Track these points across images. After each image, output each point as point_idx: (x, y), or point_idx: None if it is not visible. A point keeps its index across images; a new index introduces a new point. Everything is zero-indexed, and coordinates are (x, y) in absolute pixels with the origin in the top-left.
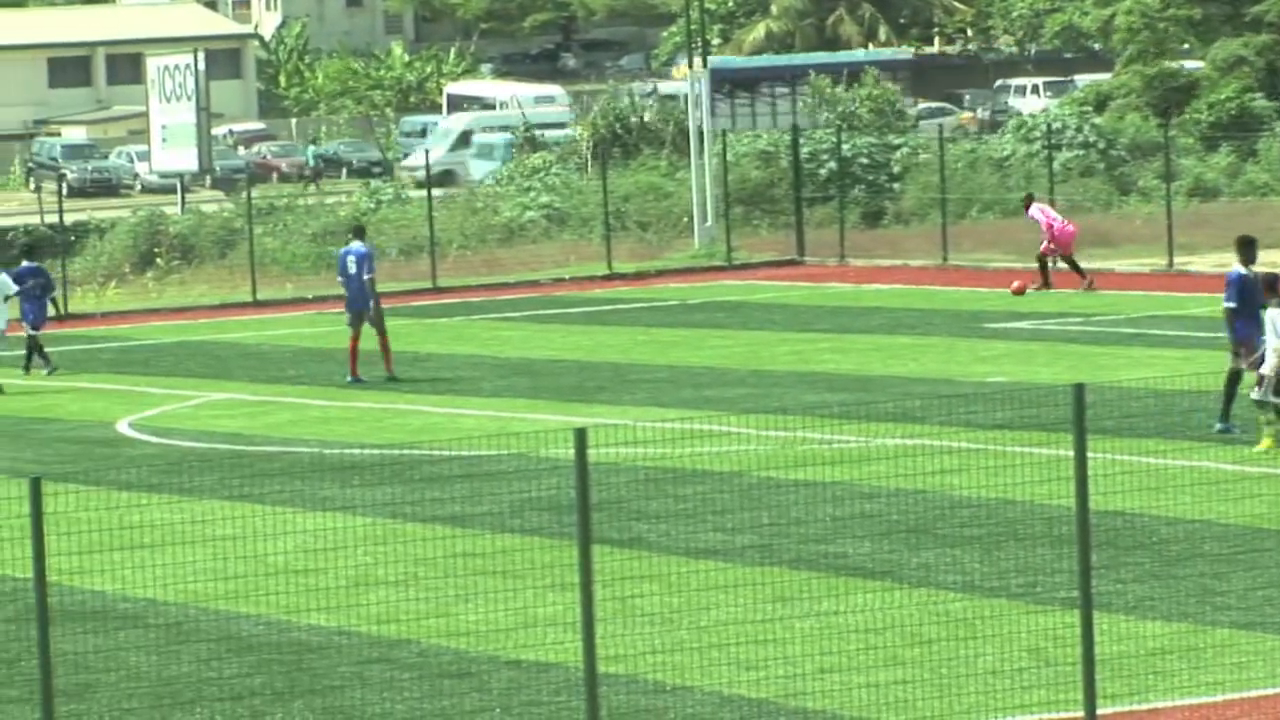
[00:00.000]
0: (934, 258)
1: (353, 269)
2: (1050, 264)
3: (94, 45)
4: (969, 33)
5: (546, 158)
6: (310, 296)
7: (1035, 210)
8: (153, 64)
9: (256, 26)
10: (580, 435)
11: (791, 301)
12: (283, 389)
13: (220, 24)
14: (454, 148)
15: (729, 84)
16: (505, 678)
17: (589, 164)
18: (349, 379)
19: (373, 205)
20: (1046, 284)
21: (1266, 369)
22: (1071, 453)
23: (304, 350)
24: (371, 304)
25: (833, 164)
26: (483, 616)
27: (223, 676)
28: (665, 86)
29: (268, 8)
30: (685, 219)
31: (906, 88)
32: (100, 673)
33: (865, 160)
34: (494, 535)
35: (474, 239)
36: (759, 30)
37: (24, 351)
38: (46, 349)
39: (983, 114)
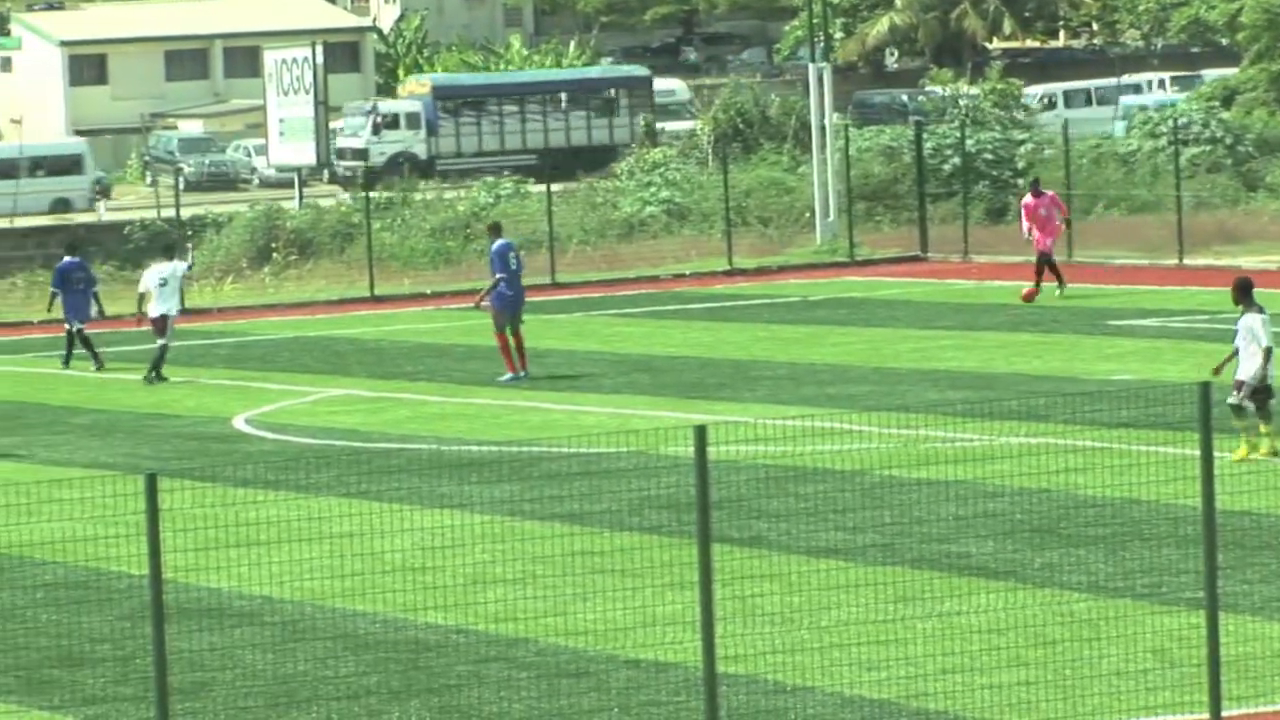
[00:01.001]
0: (1059, 254)
1: (513, 265)
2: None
3: (211, 38)
4: (1095, 26)
5: (667, 152)
6: (429, 291)
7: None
8: (270, 57)
9: (375, 19)
10: (700, 432)
11: (914, 298)
12: (400, 385)
13: (338, 16)
14: None
15: (455, 102)
16: (624, 677)
17: (710, 159)
18: (509, 377)
19: (492, 200)
20: (1060, 280)
21: (1244, 374)
22: (1198, 452)
23: (422, 346)
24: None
25: (956, 159)
26: (601, 615)
27: (339, 675)
28: (384, 105)
29: (386, 1)
30: (807, 214)
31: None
32: (216, 671)
33: (989, 156)
34: (613, 533)
35: (593, 234)
36: (882, 24)
37: (65, 346)
38: (94, 346)
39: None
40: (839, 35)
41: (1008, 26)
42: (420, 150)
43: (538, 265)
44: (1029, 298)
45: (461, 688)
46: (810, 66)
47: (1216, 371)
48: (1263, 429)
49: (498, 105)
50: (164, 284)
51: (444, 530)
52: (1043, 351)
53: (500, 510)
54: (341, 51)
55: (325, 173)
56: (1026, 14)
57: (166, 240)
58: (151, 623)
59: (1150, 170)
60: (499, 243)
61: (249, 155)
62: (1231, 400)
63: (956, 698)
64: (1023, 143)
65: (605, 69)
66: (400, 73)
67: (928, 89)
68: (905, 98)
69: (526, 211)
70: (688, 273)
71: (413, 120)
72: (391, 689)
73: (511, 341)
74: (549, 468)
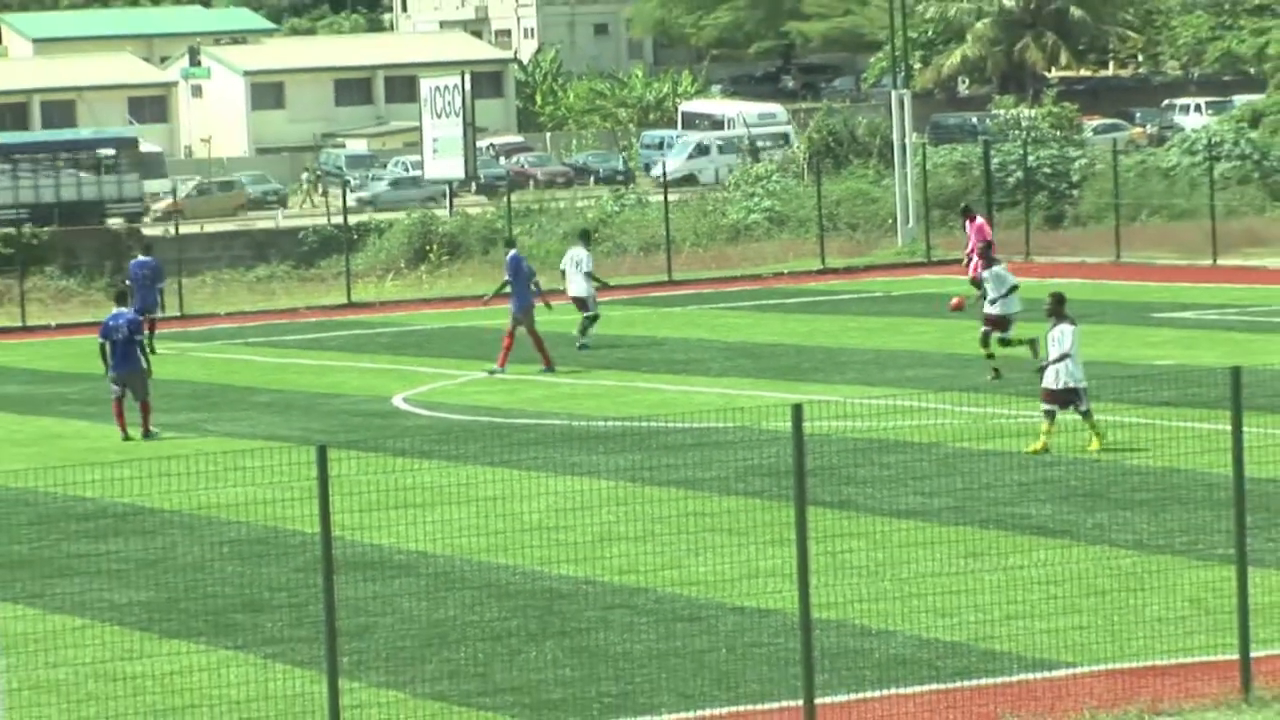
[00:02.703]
0: (1108, 255)
1: (526, 271)
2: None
3: (375, 68)
4: (1140, 57)
5: (768, 167)
6: (561, 288)
7: (979, 221)
8: (426, 85)
9: (516, 52)
10: (797, 410)
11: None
12: (537, 368)
13: (485, 50)
14: (690, 157)
15: None
16: (730, 622)
17: (805, 172)
18: (499, 370)
19: (616, 209)
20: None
21: (1053, 382)
22: (1229, 427)
23: (556, 334)
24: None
25: (1019, 173)
26: (711, 568)
27: (484, 619)
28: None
29: (526, 36)
30: (890, 220)
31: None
32: (377, 616)
33: (1048, 170)
34: (721, 497)
35: (704, 238)
36: (955, 56)
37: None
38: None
39: (1151, 129)
40: (918, 65)
41: (1064, 58)
42: None
43: (656, 265)
44: (959, 306)
45: (590, 631)
46: (893, 92)
47: (1040, 371)
48: (1087, 424)
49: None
50: (578, 266)
51: (575, 494)
52: (1094, 340)
53: (623, 477)
54: (487, 80)
55: (473, 184)
56: (1080, 46)
57: (583, 228)
58: (322, 574)
59: (1188, 183)
60: (511, 253)
61: (406, 170)
62: (1045, 408)
63: (1019, 640)
64: (1077, 159)
65: (96, 131)
66: (538, 99)
67: (994, 112)
68: (975, 119)
69: (647, 218)
70: (785, 271)
71: None
72: (529, 631)
73: (528, 338)
74: (665, 440)
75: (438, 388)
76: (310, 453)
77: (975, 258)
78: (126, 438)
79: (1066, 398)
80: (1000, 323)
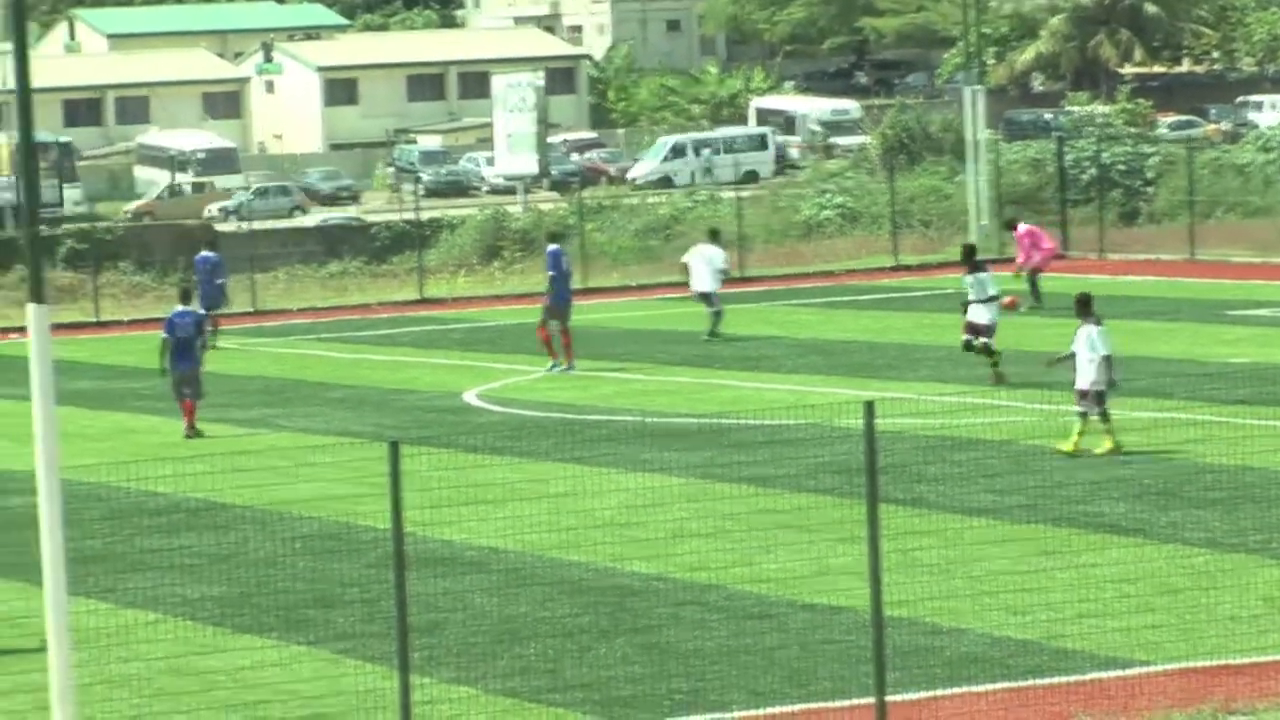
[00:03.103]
0: (1183, 253)
1: (564, 267)
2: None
3: (447, 64)
4: (1214, 54)
5: (841, 163)
6: (634, 284)
7: (1024, 229)
8: (498, 81)
9: (589, 49)
10: (869, 407)
11: (1055, 290)
12: (609, 364)
13: (557, 46)
14: (666, 159)
15: None
16: (801, 619)
17: (878, 169)
18: (555, 366)
19: (689, 206)
20: (1038, 298)
21: (1085, 383)
22: None
23: (627, 331)
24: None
25: (1093, 170)
26: (782, 565)
27: (555, 616)
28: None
29: (599, 32)
30: (963, 217)
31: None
32: (449, 612)
33: (1122, 167)
34: (792, 494)
35: (777, 234)
36: (1029, 52)
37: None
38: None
39: (1226, 126)
40: (991, 62)
41: (1138, 54)
42: None
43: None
44: (1012, 306)
45: (661, 627)
46: (966, 89)
47: (1050, 365)
48: (1104, 427)
49: None
50: (709, 262)
51: (647, 491)
52: (1169, 337)
53: (695, 473)
54: (560, 76)
55: (545, 180)
56: (1155, 43)
57: (712, 226)
58: (394, 570)
59: (1263, 180)
60: (552, 248)
61: (479, 165)
62: (1079, 409)
63: (1091, 639)
64: (1151, 156)
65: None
66: (610, 95)
67: (1068, 108)
68: (1049, 116)
69: (719, 215)
70: (858, 268)
71: None
72: (601, 628)
73: (560, 337)
74: (737, 437)
75: (510, 384)
76: (383, 448)
77: (1027, 265)
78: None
79: (1100, 398)
80: (986, 330)
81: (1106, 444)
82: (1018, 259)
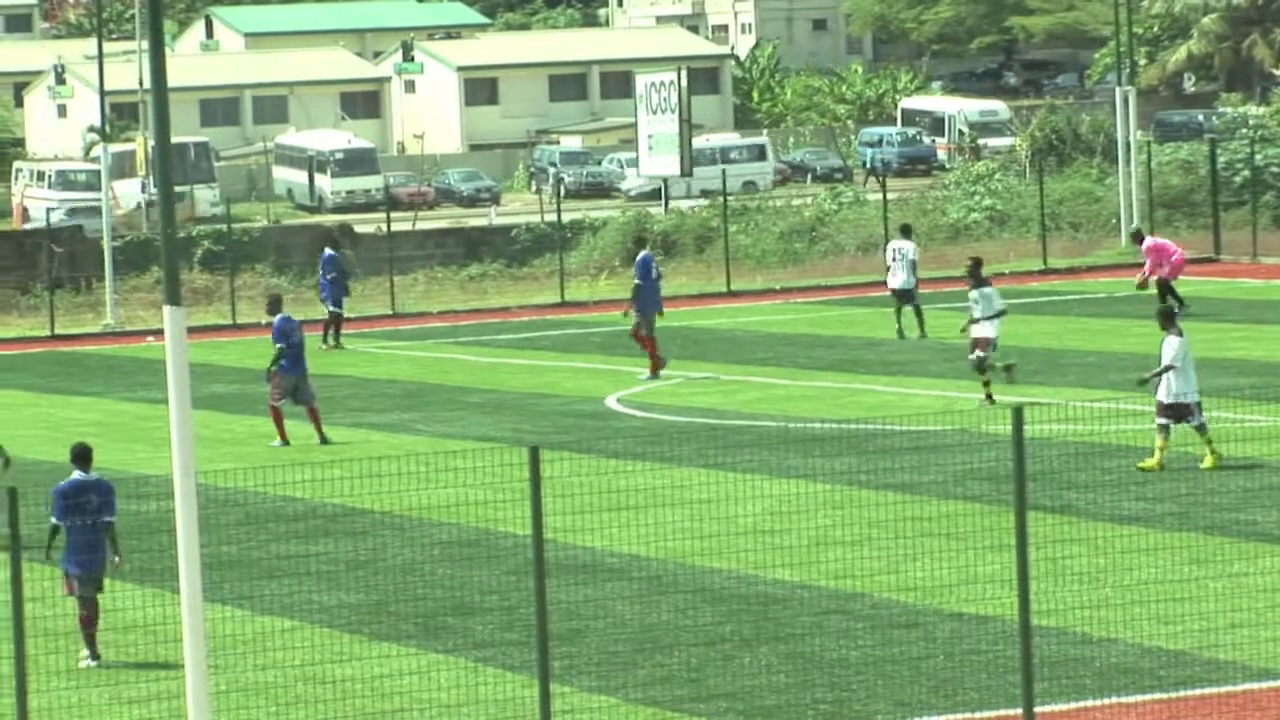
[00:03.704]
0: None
1: (654, 274)
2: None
3: (589, 64)
4: None
5: (990, 165)
6: (778, 287)
7: (1150, 243)
8: (641, 80)
9: (733, 48)
10: (1017, 413)
11: (1207, 295)
12: (752, 369)
13: (701, 45)
14: None
15: None
16: (948, 628)
17: (1027, 171)
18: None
19: (834, 207)
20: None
21: (1167, 396)
22: None
23: (771, 335)
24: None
25: (1246, 172)
26: (928, 573)
27: (697, 624)
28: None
29: (743, 31)
30: (1113, 220)
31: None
32: (590, 620)
33: (1276, 169)
34: (939, 501)
35: (924, 237)
36: (1181, 52)
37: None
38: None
39: None
40: (1143, 62)
41: None
42: None
43: (874, 264)
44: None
45: (805, 636)
46: (1117, 89)
47: (1143, 382)
48: (1202, 439)
49: None
50: (901, 256)
51: (790, 497)
52: None
53: (840, 480)
54: (703, 76)
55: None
56: None
57: (904, 222)
58: (534, 577)
59: None
60: (642, 254)
61: (621, 167)
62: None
63: (1244, 649)
64: None
65: None
66: (755, 95)
67: (1221, 110)
68: (1201, 117)
69: (864, 217)
70: (1006, 271)
71: None
72: (743, 637)
73: (636, 340)
74: (883, 443)
75: (651, 388)
76: (522, 454)
77: (1151, 277)
78: (286, 443)
79: (1179, 411)
80: (989, 343)
81: (1209, 460)
82: (1144, 271)
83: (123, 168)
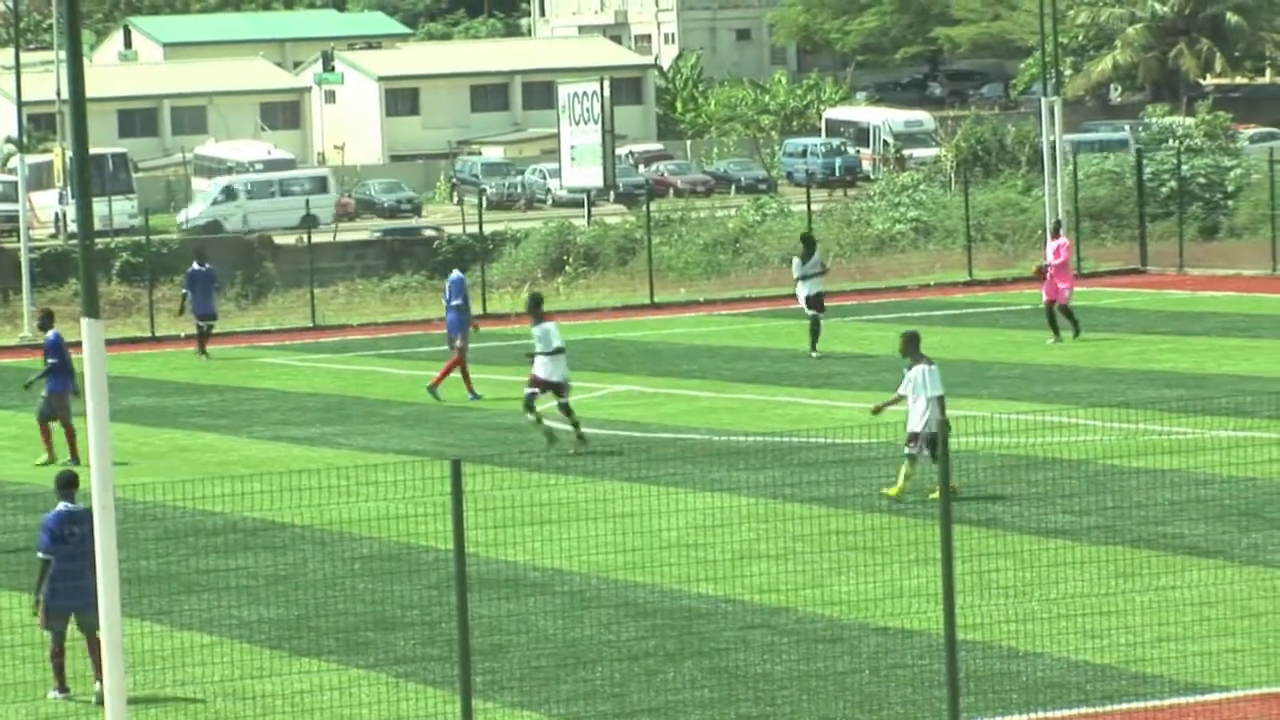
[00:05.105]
0: (1265, 268)
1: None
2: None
3: (511, 74)
4: None
5: (914, 176)
6: (701, 299)
7: (1064, 244)
8: (564, 91)
9: (656, 58)
10: (943, 425)
11: (1134, 306)
12: (676, 382)
13: (624, 56)
14: (216, 202)
15: None
16: (873, 643)
17: (952, 182)
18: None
19: (758, 218)
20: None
21: (917, 425)
22: None
23: (695, 347)
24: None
25: (1173, 183)
26: (854, 588)
27: (620, 639)
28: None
29: (666, 41)
30: (1039, 232)
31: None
32: (512, 635)
33: (1202, 180)
34: (864, 515)
35: (848, 248)
36: (1107, 62)
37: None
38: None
39: None
40: (1068, 72)
41: (1219, 65)
42: None
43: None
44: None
45: (729, 651)
46: (1042, 100)
47: (876, 411)
48: (903, 469)
49: None
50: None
51: (714, 511)
52: (1251, 354)
53: (764, 493)
54: (626, 86)
55: (611, 193)
56: (1236, 53)
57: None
58: (455, 591)
59: None
60: (455, 275)
61: (544, 178)
62: (908, 451)
63: (1170, 663)
64: (1232, 169)
65: None
66: (678, 106)
67: (1147, 120)
68: (1127, 128)
69: (789, 228)
70: (931, 283)
71: None
72: (667, 651)
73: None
74: (807, 456)
75: (574, 401)
76: (444, 467)
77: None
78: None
79: (931, 440)
80: (555, 387)
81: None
82: (1048, 265)
83: (40, 179)
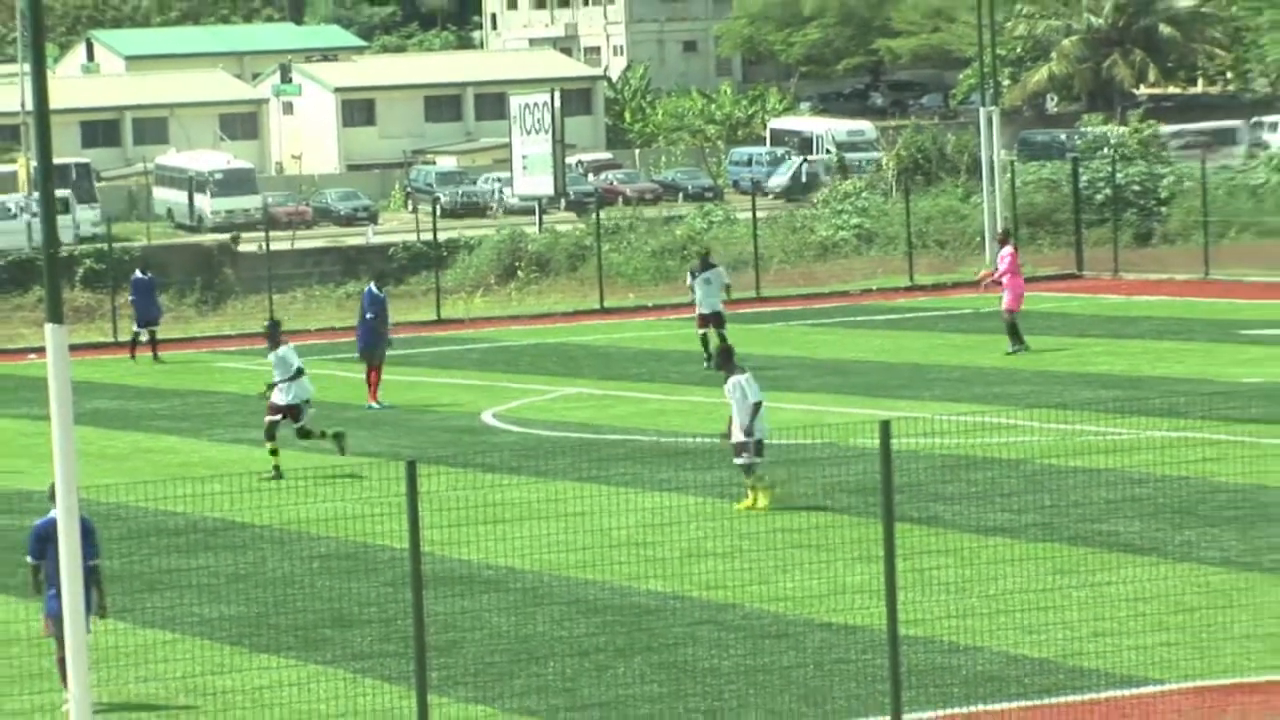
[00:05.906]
0: (1197, 272)
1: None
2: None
3: (464, 85)
4: (1229, 75)
5: (857, 184)
6: (650, 304)
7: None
8: (515, 102)
9: (605, 69)
10: (885, 427)
11: (1070, 310)
12: (626, 385)
13: (574, 67)
14: None
15: None
16: (818, 638)
17: (894, 189)
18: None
19: (705, 226)
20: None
21: (741, 433)
22: None
23: (644, 351)
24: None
25: (1108, 190)
26: (798, 584)
27: (572, 635)
28: None
29: (615, 53)
30: (978, 238)
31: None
32: (466, 631)
33: (1136, 187)
34: (808, 513)
35: (793, 255)
36: (1043, 73)
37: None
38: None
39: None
40: (1006, 83)
41: (1152, 75)
42: None
43: (745, 282)
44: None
45: (678, 646)
46: (981, 110)
47: (726, 436)
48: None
49: None
50: (707, 282)
51: (663, 510)
52: (1183, 356)
53: (711, 493)
54: (576, 97)
55: (562, 201)
56: (1169, 64)
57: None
58: (411, 589)
59: (1276, 200)
60: (369, 288)
61: (496, 186)
62: (738, 461)
63: (1107, 657)
64: (1164, 176)
65: None
66: (627, 116)
67: (1083, 129)
68: (1063, 137)
69: (735, 235)
70: (874, 288)
71: None
72: (617, 647)
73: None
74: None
75: (527, 404)
76: (399, 468)
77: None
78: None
79: (760, 447)
80: (291, 410)
81: (749, 501)
82: (994, 274)
83: (4, 188)
